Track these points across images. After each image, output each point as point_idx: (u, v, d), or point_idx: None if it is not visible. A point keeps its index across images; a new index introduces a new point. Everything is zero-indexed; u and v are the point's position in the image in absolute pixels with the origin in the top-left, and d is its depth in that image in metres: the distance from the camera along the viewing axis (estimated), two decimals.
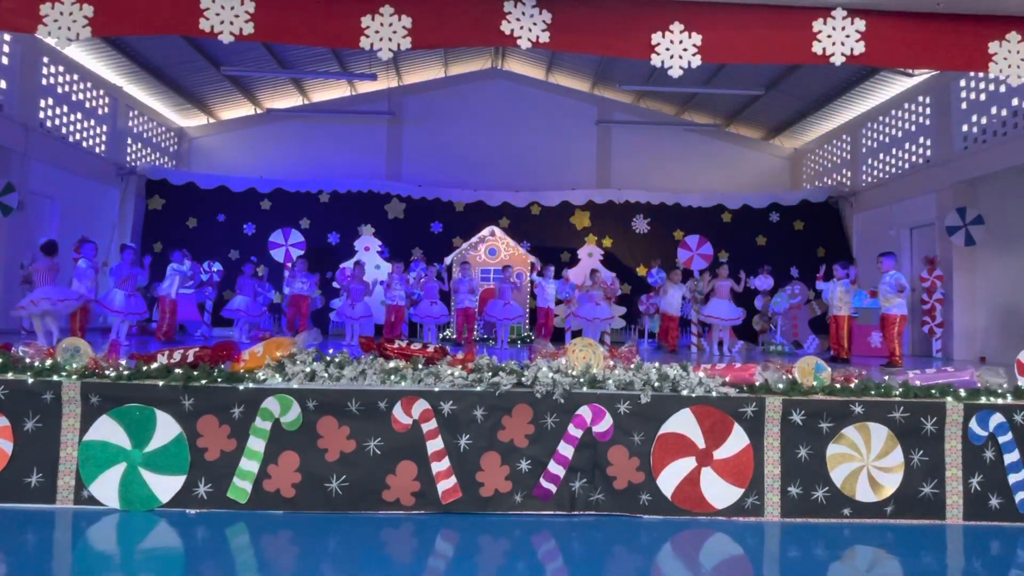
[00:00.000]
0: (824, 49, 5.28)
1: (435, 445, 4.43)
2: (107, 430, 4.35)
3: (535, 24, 5.19)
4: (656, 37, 5.27)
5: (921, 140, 11.97)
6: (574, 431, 4.49)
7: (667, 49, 5.27)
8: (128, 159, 13.90)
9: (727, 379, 4.63)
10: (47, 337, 7.87)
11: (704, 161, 15.84)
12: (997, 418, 4.60)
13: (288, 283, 11.25)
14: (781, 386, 4.56)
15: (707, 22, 5.27)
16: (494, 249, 13.19)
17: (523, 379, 4.51)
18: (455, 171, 15.28)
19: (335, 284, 11.71)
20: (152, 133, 14.87)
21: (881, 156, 13.26)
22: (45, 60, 11.36)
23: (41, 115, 11.28)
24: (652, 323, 12.39)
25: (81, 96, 12.47)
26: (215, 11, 5.02)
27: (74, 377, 4.37)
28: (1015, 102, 9.74)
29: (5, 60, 10.45)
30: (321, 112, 15.74)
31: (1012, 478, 4.56)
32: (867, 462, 4.55)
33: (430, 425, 4.45)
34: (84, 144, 12.61)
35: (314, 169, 15.09)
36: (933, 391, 4.65)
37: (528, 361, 4.76)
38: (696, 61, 5.29)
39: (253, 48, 12.57)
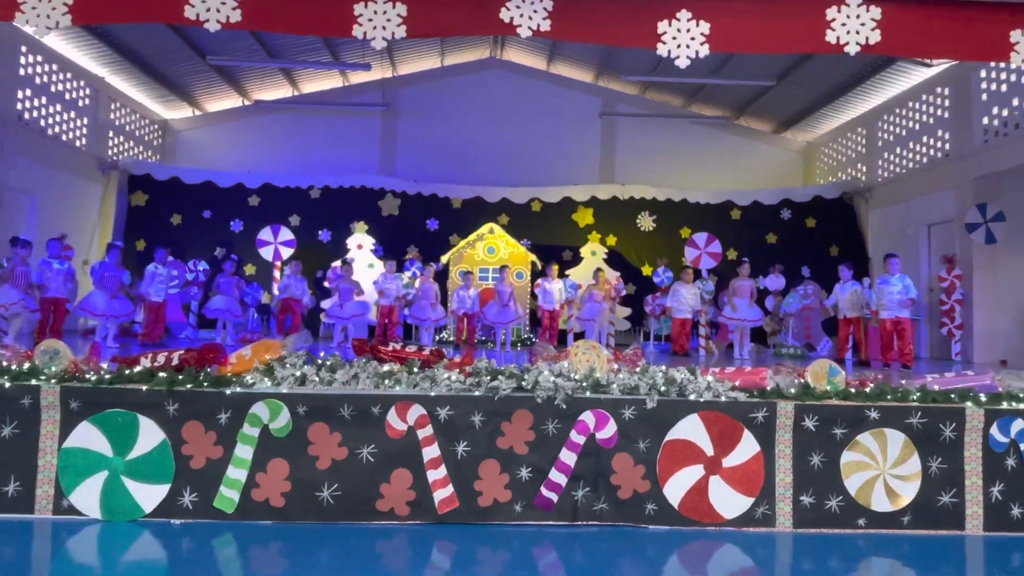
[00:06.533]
0: (838, 38, 5.14)
1: (431, 452, 4.35)
2: (88, 437, 4.27)
3: (536, 12, 5.07)
4: (662, 25, 5.15)
5: (940, 133, 11.81)
6: (577, 438, 4.42)
7: (674, 38, 5.15)
8: (110, 153, 13.74)
9: (737, 383, 4.56)
10: (17, 339, 7.72)
11: (712, 156, 15.66)
12: (1019, 424, 4.52)
13: (281, 287, 11.04)
14: (793, 390, 4.50)
15: (716, 9, 5.14)
16: (493, 247, 13.01)
17: (523, 383, 4.44)
18: (452, 166, 15.12)
19: (326, 284, 11.51)
20: (135, 126, 14.70)
21: (898, 150, 13.09)
22: (23, 49, 11.18)
23: (19, 107, 11.09)
24: (659, 325, 12.24)
25: (61, 87, 12.27)
26: None
27: (53, 381, 4.29)
28: None
29: None
30: (312, 104, 15.56)
31: None
32: (883, 470, 4.47)
33: (426, 431, 4.37)
34: (64, 137, 12.43)
35: (305, 163, 14.93)
36: (952, 396, 4.57)
37: (529, 364, 4.69)
38: (704, 50, 5.15)
39: (240, 37, 12.35)
